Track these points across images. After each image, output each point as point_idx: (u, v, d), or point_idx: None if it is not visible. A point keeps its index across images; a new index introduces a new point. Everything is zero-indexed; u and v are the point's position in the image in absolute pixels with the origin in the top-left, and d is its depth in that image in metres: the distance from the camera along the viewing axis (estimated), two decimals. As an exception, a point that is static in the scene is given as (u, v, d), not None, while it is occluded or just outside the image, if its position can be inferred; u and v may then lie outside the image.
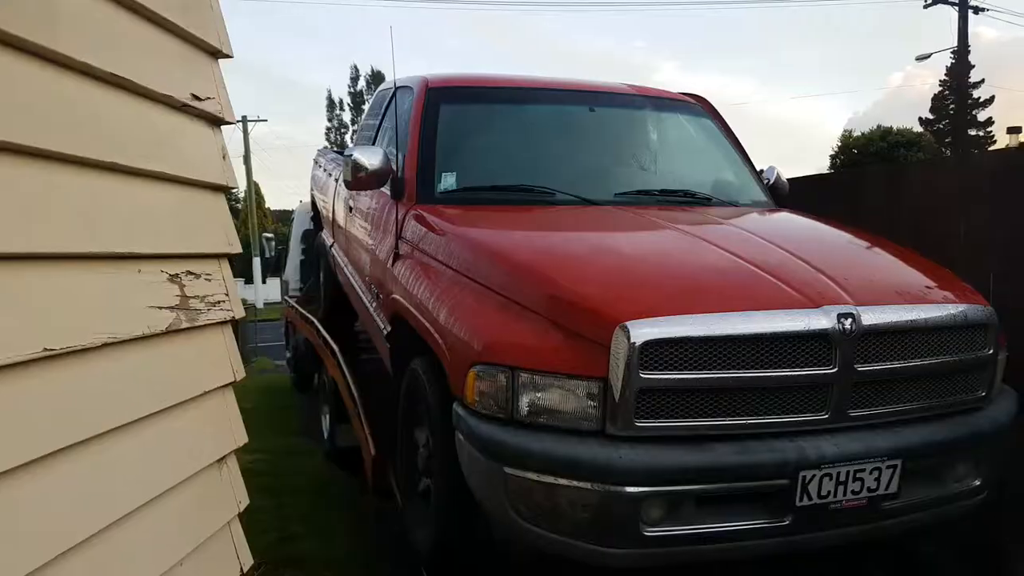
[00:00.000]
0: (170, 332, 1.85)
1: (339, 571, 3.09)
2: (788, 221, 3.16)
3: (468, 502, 2.26)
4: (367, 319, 3.80)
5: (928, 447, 2.12)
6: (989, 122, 35.29)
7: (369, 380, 4.14)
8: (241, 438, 2.23)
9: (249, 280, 26.29)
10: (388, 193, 3.33)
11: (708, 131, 3.89)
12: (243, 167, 30.09)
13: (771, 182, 3.78)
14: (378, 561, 3.17)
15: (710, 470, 1.91)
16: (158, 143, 1.86)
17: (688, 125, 3.94)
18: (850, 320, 2.01)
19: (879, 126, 22.47)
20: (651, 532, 1.91)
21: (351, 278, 4.22)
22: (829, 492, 1.98)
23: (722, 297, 2.11)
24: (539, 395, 2.00)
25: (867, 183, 3.89)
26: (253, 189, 30.81)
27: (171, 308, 1.86)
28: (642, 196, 3.27)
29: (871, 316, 2.05)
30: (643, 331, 1.90)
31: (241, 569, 2.23)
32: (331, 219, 5.17)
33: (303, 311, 6.50)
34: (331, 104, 42.14)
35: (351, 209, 4.29)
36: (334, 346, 4.81)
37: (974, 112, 34.59)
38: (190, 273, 1.96)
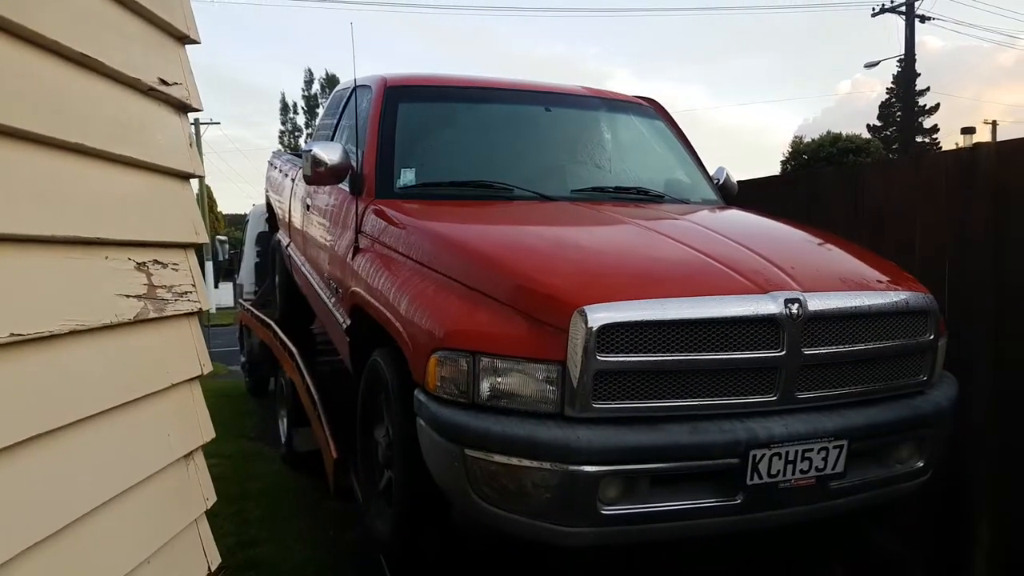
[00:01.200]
0: (138, 322, 1.82)
1: (298, 576, 3.07)
2: (738, 217, 3.28)
3: (428, 488, 2.29)
4: (325, 316, 3.79)
5: (872, 428, 2.23)
6: (935, 129, 37.11)
7: (328, 382, 4.13)
8: (208, 433, 2.21)
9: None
10: (347, 189, 3.35)
11: (660, 132, 4.02)
12: (194, 171, 29.46)
13: (721, 182, 3.91)
14: (337, 566, 3.15)
15: (664, 449, 1.97)
16: (125, 126, 1.84)
17: (641, 126, 4.05)
18: (797, 305, 2.10)
19: (829, 132, 23.23)
20: (608, 511, 1.96)
21: (308, 276, 4.20)
22: (779, 471, 2.07)
23: (675, 284, 2.19)
24: (499, 379, 2.05)
25: (822, 184, 4.04)
26: (205, 192, 30.19)
27: (139, 297, 1.83)
28: (597, 193, 3.36)
29: (817, 302, 2.15)
30: (600, 315, 1.96)
31: (209, 568, 2.20)
32: (287, 219, 5.14)
33: (259, 313, 6.42)
34: (285, 107, 41.71)
35: (308, 207, 4.28)
36: (292, 347, 4.77)
37: (920, 120, 36.30)
38: (157, 262, 1.93)
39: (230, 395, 8.87)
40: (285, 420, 4.99)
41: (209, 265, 25.81)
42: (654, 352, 1.99)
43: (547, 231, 2.80)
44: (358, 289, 2.91)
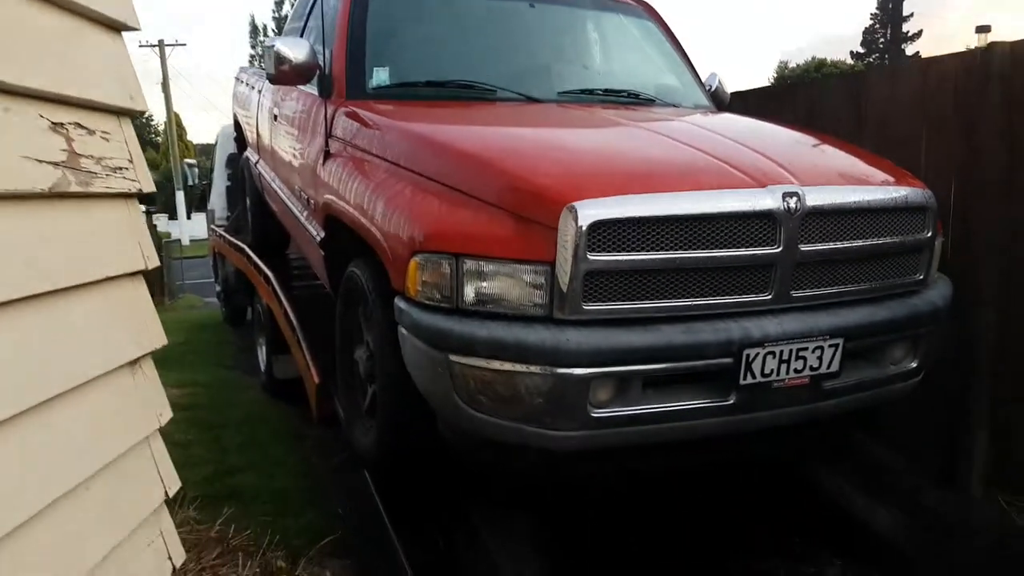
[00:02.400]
0: (57, 195, 1.57)
1: (281, 504, 3.03)
2: (732, 119, 3.16)
3: (412, 399, 2.23)
4: (299, 234, 3.66)
5: (868, 327, 2.19)
6: (917, 56, 37.05)
7: (306, 307, 4.01)
8: (158, 339, 1.98)
9: (174, 216, 25.15)
10: (315, 93, 3.16)
11: (652, 35, 3.82)
12: (162, 95, 28.38)
13: (713, 88, 3.76)
14: (320, 491, 3.12)
15: (656, 350, 1.92)
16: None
17: (632, 27, 3.85)
18: (795, 199, 2.02)
19: (814, 58, 22.83)
20: (598, 414, 1.92)
21: (279, 192, 4.03)
22: (772, 370, 2.03)
23: (669, 179, 2.09)
24: (485, 283, 1.96)
25: (822, 93, 3.89)
26: (173, 119, 29.13)
27: (56, 164, 1.57)
28: (586, 95, 3.21)
29: (815, 196, 2.07)
30: (590, 212, 1.86)
31: (167, 492, 1.99)
32: (255, 135, 4.92)
33: (231, 239, 6.24)
34: (255, 30, 39.98)
35: (276, 118, 4.08)
36: (267, 271, 4.63)
37: (903, 46, 36.26)
38: (80, 127, 1.68)
39: (207, 325, 8.77)
40: (264, 347, 4.90)
41: (180, 196, 25.18)
42: (646, 250, 1.91)
43: (534, 131, 2.66)
44: (330, 197, 2.77)
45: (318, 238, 3.03)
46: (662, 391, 2.00)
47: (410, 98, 3.00)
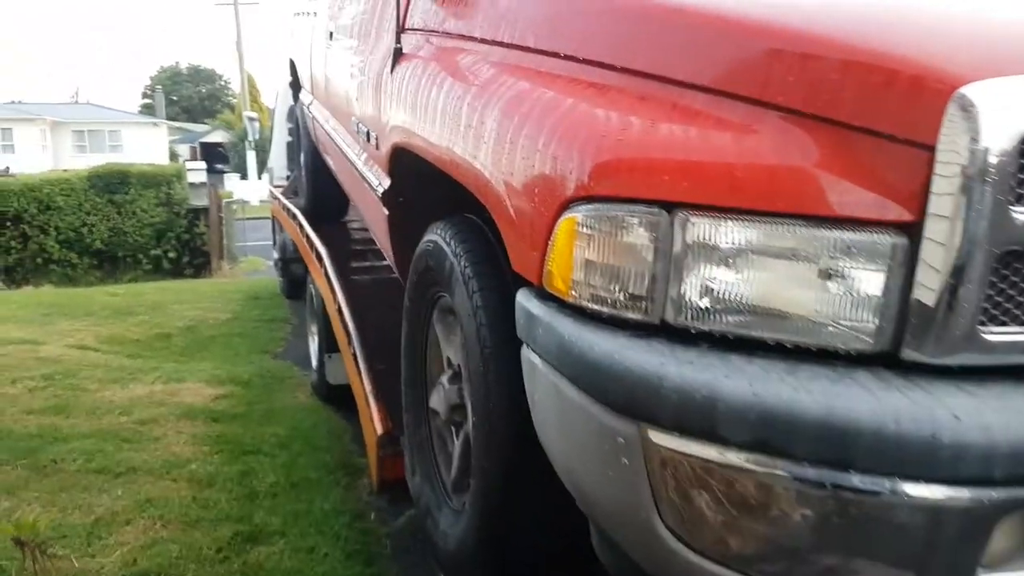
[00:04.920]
0: None
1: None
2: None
3: (540, 482, 1.20)
4: (356, 189, 2.66)
5: None
6: None
7: (369, 302, 2.99)
8: None
9: (246, 176, 25.16)
10: None
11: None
12: (235, 56, 28.43)
13: None
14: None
15: None
16: None
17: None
18: None
19: None
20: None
21: (333, 136, 3.04)
22: None
23: None
24: (735, 268, 0.91)
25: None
26: (245, 78, 29.08)
27: None
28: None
29: None
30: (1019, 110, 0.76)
31: None
32: (309, 66, 3.97)
33: (284, 201, 5.36)
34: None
35: (332, 35, 3.08)
36: (320, 248, 3.66)
37: None
38: None
39: (263, 296, 8.00)
40: (316, 340, 3.97)
41: (251, 155, 25.03)
42: None
43: None
44: (401, 121, 1.74)
45: (380, 189, 2.01)
46: None
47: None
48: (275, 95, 9.16)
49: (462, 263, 1.45)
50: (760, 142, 0.93)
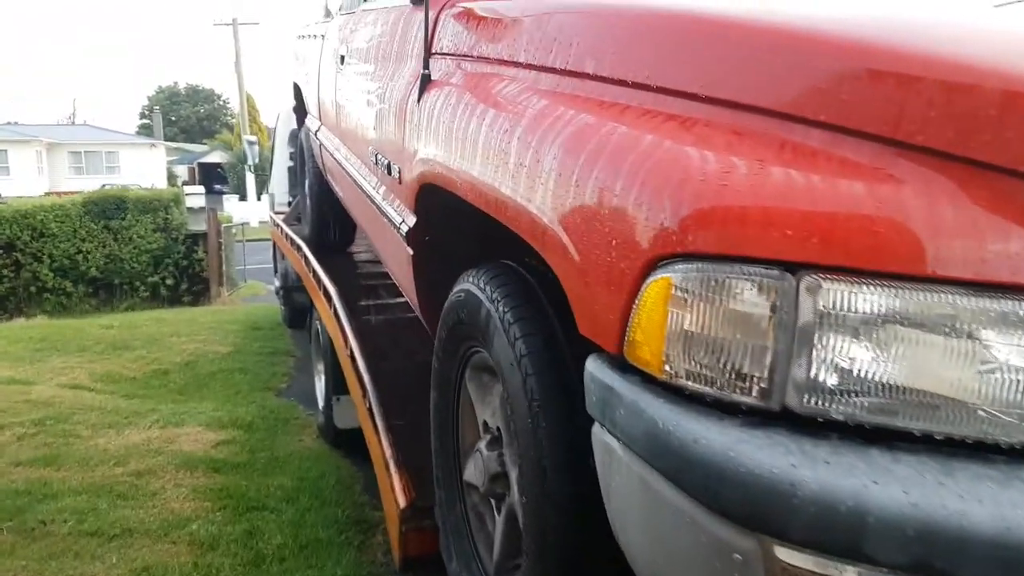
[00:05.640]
0: None
1: None
2: None
3: (603, 553, 1.05)
4: (372, 223, 2.51)
5: None
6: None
7: (383, 347, 2.78)
8: None
9: (244, 197, 25.15)
10: (404, 2, 2.05)
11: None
12: (234, 75, 28.56)
13: None
14: None
15: None
16: None
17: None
18: None
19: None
20: None
21: (344, 165, 2.90)
22: None
23: None
24: (881, 344, 0.75)
25: None
26: (245, 98, 29.16)
27: None
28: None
29: None
30: None
31: None
32: (316, 94, 3.84)
33: (288, 231, 5.21)
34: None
35: (343, 60, 2.96)
36: (328, 285, 3.45)
37: None
38: None
39: (261, 326, 7.81)
40: (323, 379, 3.78)
41: (251, 178, 25.03)
42: None
43: None
44: (432, 154, 1.59)
45: (404, 227, 1.86)
46: None
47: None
48: (275, 116, 9.08)
49: (500, 308, 1.29)
50: (902, 191, 0.77)
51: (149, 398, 4.77)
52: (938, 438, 0.76)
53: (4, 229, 13.86)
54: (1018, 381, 0.74)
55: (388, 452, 1.99)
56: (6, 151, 32.33)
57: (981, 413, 0.75)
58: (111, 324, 8.06)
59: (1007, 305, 0.72)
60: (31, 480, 2.89)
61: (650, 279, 0.87)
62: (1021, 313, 0.72)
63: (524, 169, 1.17)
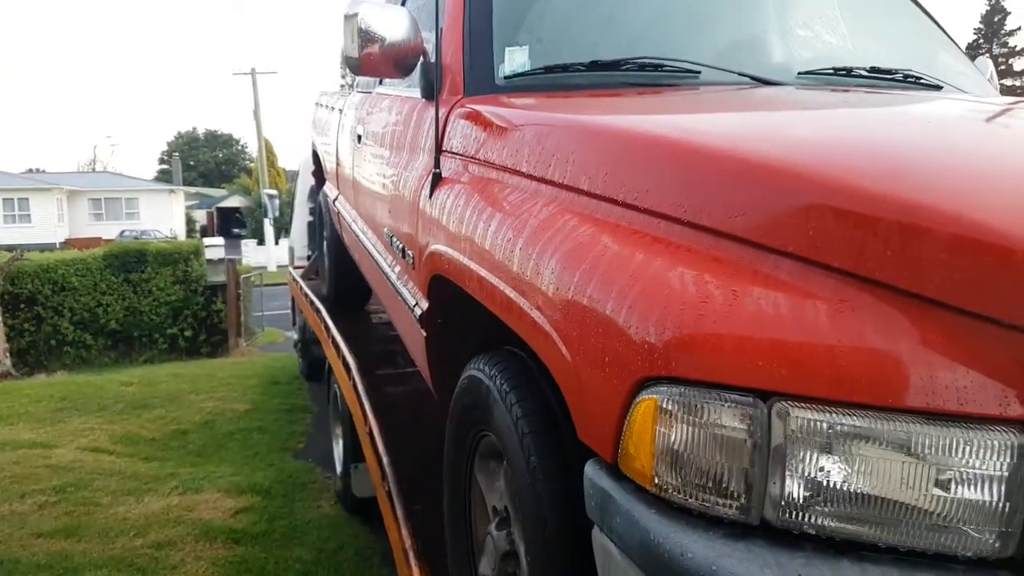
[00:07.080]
0: None
1: None
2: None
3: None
4: (387, 297, 2.64)
5: None
6: (1026, 73, 35.83)
7: (402, 419, 2.81)
8: None
9: (263, 242, 25.65)
10: (416, 95, 2.21)
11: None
12: (253, 122, 29.46)
13: (988, 76, 2.62)
14: None
15: None
16: None
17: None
18: None
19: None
20: None
21: (361, 236, 3.05)
22: None
23: None
24: (848, 465, 0.85)
25: None
26: (263, 145, 29.99)
27: None
28: (840, 76, 2.06)
29: None
30: None
31: None
32: (335, 163, 4.05)
33: (307, 290, 5.36)
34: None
35: (360, 139, 3.13)
36: (348, 357, 3.43)
37: (1009, 61, 35.11)
38: None
39: (282, 380, 7.95)
40: (340, 444, 3.86)
41: (267, 222, 25.53)
42: None
43: (848, 131, 1.49)
44: (441, 248, 1.72)
45: (418, 310, 1.98)
46: None
47: (567, 88, 1.93)
48: (297, 164, 9.37)
49: (499, 383, 1.40)
50: (863, 325, 0.87)
51: (168, 460, 4.89)
52: (902, 550, 0.85)
53: (27, 284, 14.26)
54: (969, 499, 0.82)
55: (408, 542, 2.04)
56: (28, 199, 33.30)
57: (939, 529, 0.83)
58: (130, 381, 8.25)
59: (956, 432, 0.81)
60: (52, 553, 2.99)
61: (639, 397, 0.97)
62: (968, 438, 0.81)
63: (526, 277, 1.28)
